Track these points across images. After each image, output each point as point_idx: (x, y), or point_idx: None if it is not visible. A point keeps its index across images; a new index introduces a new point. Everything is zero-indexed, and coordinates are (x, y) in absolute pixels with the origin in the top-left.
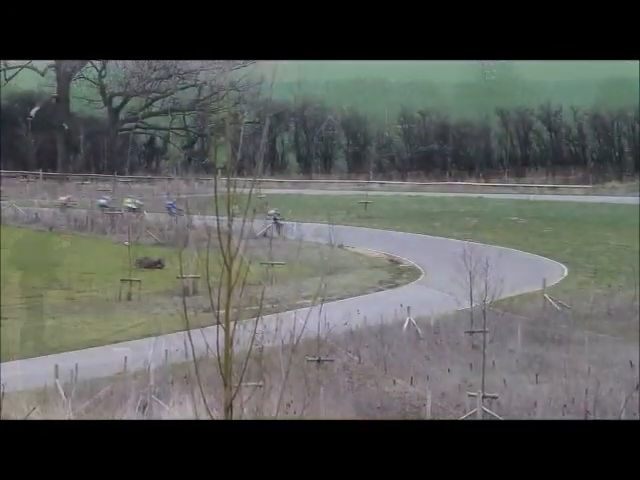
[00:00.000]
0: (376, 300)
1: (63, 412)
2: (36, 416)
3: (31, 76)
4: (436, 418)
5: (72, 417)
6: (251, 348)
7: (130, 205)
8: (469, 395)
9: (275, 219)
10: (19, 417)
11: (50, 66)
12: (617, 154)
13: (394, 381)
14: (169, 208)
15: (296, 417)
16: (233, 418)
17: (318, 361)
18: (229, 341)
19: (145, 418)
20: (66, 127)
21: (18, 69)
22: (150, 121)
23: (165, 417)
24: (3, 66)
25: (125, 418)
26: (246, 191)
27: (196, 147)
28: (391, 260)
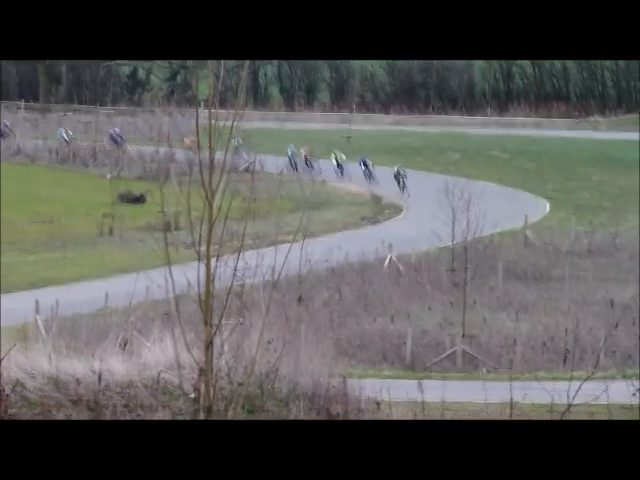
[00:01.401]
0: (358, 236)
1: (43, 349)
2: (16, 352)
3: None
4: (416, 357)
5: (52, 353)
6: (232, 285)
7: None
8: (449, 334)
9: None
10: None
11: None
12: (600, 88)
13: (374, 319)
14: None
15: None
16: (213, 355)
17: (299, 299)
18: (210, 278)
19: (126, 354)
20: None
21: None
22: None
23: (145, 354)
24: None
25: (105, 355)
26: (228, 124)
27: (179, 79)
28: (373, 195)
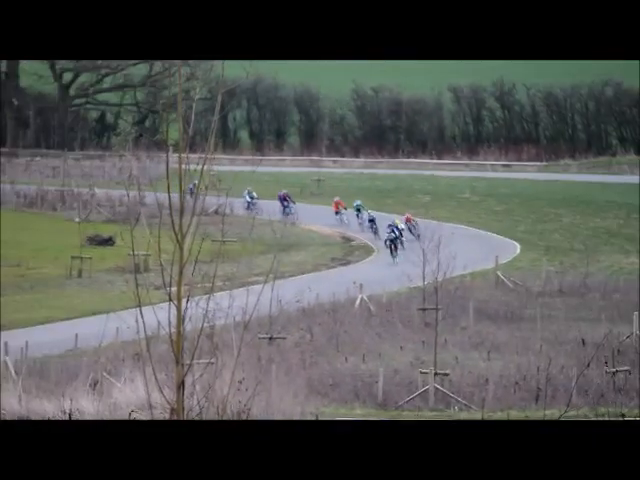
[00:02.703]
0: (328, 277)
1: (13, 389)
2: None
3: None
4: (388, 395)
5: (22, 394)
6: (203, 325)
7: None
8: (421, 372)
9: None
10: None
11: None
12: (570, 131)
13: (346, 358)
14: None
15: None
16: (185, 395)
17: (270, 338)
18: (181, 318)
19: (96, 394)
20: (15, 102)
21: None
22: (101, 97)
23: (116, 394)
24: None
25: (76, 395)
26: (198, 168)
27: (147, 123)
28: (343, 237)
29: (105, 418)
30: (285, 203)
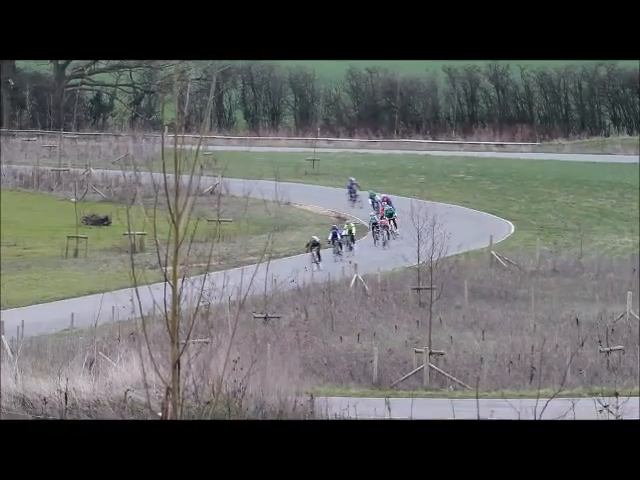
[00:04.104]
0: (323, 257)
1: (9, 368)
2: None
3: None
4: (383, 375)
5: (18, 373)
6: (198, 305)
7: None
8: (416, 352)
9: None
10: None
11: None
12: (564, 111)
13: (341, 338)
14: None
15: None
16: (180, 375)
17: (265, 318)
18: (176, 298)
19: (92, 374)
20: (12, 83)
21: None
22: (96, 77)
23: (112, 373)
24: None
25: (72, 374)
26: (193, 148)
27: (143, 104)
28: (338, 217)
29: (101, 397)
30: (352, 191)
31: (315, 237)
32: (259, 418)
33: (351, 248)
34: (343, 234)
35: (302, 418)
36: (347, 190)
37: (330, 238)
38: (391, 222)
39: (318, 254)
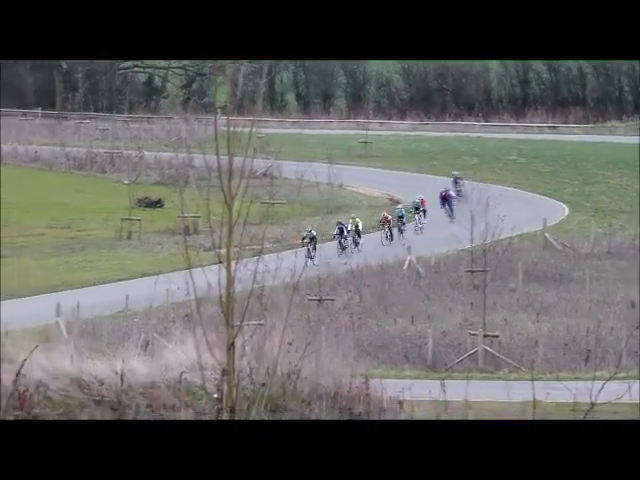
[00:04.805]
0: (376, 239)
1: (65, 350)
2: (38, 354)
3: None
4: (438, 357)
5: (74, 354)
6: (252, 287)
7: None
8: (470, 334)
9: None
10: (22, 356)
11: None
12: (617, 93)
13: (395, 320)
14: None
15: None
16: (235, 357)
17: (319, 300)
18: (230, 280)
19: (147, 355)
20: (64, 66)
21: None
22: (149, 60)
23: (167, 355)
24: None
25: (127, 356)
26: (246, 130)
27: (195, 86)
28: (391, 199)
29: (156, 379)
30: (458, 185)
31: (312, 230)
32: (315, 399)
33: (357, 244)
34: (349, 229)
35: (358, 400)
36: (451, 184)
37: (336, 233)
38: (420, 214)
39: (314, 248)
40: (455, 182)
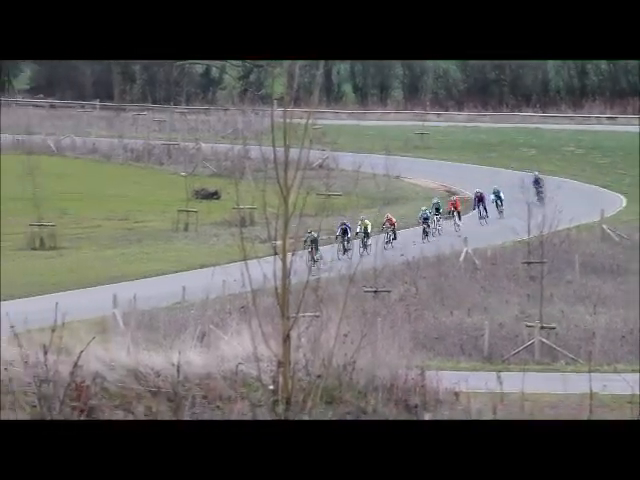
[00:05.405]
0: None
1: (122, 341)
2: (95, 345)
3: None
4: (494, 349)
5: (131, 346)
6: (308, 279)
7: None
8: (527, 326)
9: None
10: (79, 347)
11: None
12: None
13: (451, 312)
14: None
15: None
16: (290, 348)
17: (375, 292)
18: (286, 272)
19: (203, 347)
20: None
21: None
22: None
23: (223, 346)
24: None
25: (184, 347)
26: (303, 121)
27: (252, 78)
28: (448, 191)
29: (212, 370)
30: (539, 186)
31: (314, 232)
32: (371, 391)
33: (366, 246)
34: (357, 231)
35: (414, 391)
36: (532, 185)
37: (338, 234)
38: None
39: (317, 250)
40: (536, 183)
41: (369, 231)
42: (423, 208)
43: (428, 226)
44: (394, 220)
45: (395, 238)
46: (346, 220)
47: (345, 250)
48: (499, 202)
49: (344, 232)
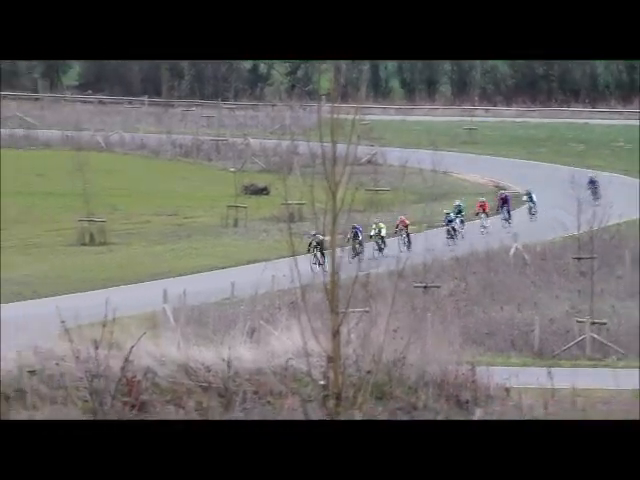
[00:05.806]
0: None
1: (172, 336)
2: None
3: None
4: (544, 344)
5: (181, 341)
6: (357, 274)
7: None
8: (577, 321)
9: None
10: (129, 342)
11: None
12: None
13: (501, 307)
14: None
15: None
16: (340, 343)
17: (424, 287)
18: (335, 267)
19: (253, 342)
20: None
21: None
22: None
23: (273, 342)
24: None
25: (234, 343)
26: (350, 117)
27: (300, 73)
28: (496, 186)
29: (262, 366)
30: (595, 187)
31: (319, 235)
32: (421, 386)
33: (381, 249)
34: (372, 234)
35: (464, 387)
36: (587, 187)
37: (349, 237)
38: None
39: (322, 254)
40: (592, 184)
41: (383, 234)
42: (445, 211)
43: (453, 229)
44: (407, 222)
45: (409, 241)
46: (357, 224)
47: (357, 253)
48: (532, 204)
49: (355, 235)
